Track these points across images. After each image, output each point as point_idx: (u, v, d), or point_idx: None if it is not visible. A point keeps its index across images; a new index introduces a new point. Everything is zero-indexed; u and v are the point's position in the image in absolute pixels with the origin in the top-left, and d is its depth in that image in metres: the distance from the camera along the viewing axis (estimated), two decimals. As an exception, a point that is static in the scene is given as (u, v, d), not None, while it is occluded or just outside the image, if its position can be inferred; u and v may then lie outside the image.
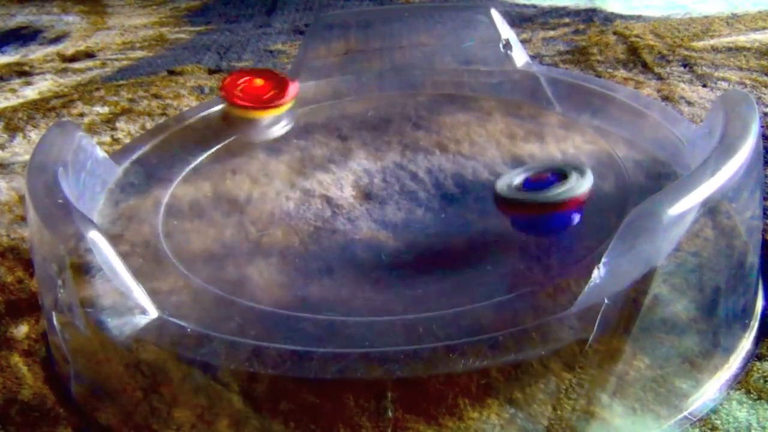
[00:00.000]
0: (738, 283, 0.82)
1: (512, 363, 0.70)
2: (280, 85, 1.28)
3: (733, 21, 2.04)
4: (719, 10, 2.17)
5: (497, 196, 0.91)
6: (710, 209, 0.76)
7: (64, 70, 2.08)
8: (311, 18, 2.43)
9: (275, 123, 1.29)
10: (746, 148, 0.80)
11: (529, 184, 0.92)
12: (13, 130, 1.60)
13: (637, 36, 1.96)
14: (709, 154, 0.80)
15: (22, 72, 2.08)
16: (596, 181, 1.02)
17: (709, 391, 0.77)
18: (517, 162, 1.11)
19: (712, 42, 1.87)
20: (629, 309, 0.70)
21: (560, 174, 0.91)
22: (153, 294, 0.78)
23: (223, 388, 0.72)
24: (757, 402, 0.76)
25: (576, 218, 0.88)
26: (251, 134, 1.27)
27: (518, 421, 0.70)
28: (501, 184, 0.92)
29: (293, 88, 1.27)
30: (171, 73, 1.96)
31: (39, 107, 1.73)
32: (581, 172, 0.90)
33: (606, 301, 0.69)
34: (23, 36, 2.51)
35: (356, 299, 0.84)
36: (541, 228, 0.91)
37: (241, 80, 1.28)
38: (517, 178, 0.93)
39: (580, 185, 0.88)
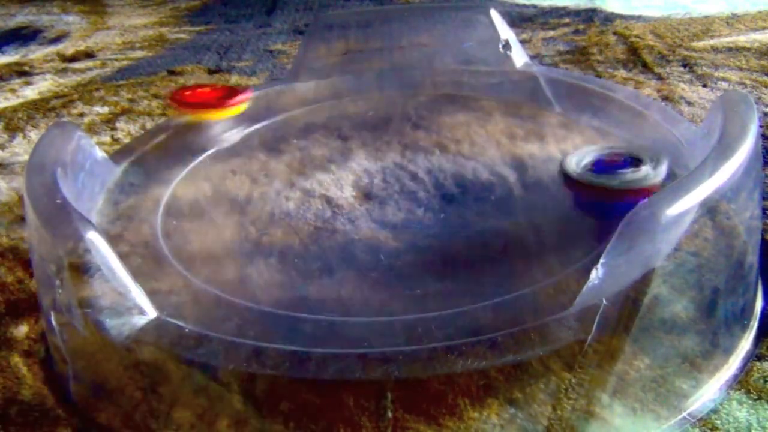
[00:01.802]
0: (737, 283, 0.82)
1: (511, 363, 0.70)
2: (230, 93, 1.31)
3: (733, 21, 2.04)
4: (719, 10, 2.17)
5: (565, 175, 0.91)
6: (709, 209, 0.76)
7: (64, 70, 2.08)
8: (311, 18, 2.43)
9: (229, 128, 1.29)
10: (745, 149, 0.80)
11: (600, 166, 0.90)
12: (13, 130, 1.60)
13: (637, 36, 1.96)
14: (708, 155, 0.80)
15: (22, 72, 2.08)
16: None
17: (709, 391, 0.77)
18: (517, 162, 1.11)
19: (712, 42, 1.87)
20: (629, 309, 0.70)
21: (634, 159, 0.90)
22: (152, 294, 0.78)
23: (222, 389, 0.72)
24: (757, 402, 0.76)
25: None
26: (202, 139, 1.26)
27: (518, 421, 0.70)
28: (570, 162, 0.91)
29: (243, 95, 1.29)
30: (171, 73, 1.96)
31: (39, 107, 1.74)
32: (656, 161, 0.89)
33: (604, 301, 0.69)
34: (23, 36, 2.51)
35: (356, 299, 0.84)
36: (607, 214, 0.87)
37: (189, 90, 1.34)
38: (588, 157, 0.92)
39: (655, 174, 0.87)
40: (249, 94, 1.30)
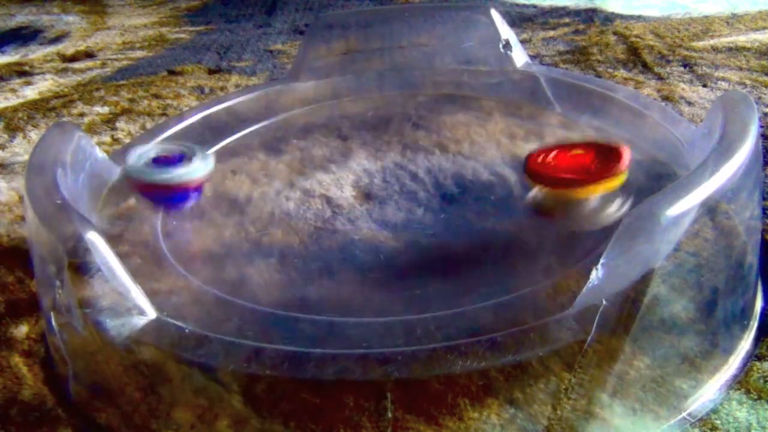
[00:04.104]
0: (737, 283, 0.82)
1: (511, 363, 0.70)
2: (605, 152, 0.94)
3: (733, 21, 2.04)
4: (719, 10, 2.17)
5: (128, 173, 0.99)
6: (709, 210, 0.76)
7: (64, 70, 2.08)
8: (311, 18, 2.43)
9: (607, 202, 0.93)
10: (745, 149, 0.80)
11: (158, 162, 1.00)
12: (13, 130, 1.60)
13: (637, 36, 1.96)
14: (708, 155, 0.80)
15: (22, 72, 2.08)
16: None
17: (709, 391, 0.77)
18: (517, 162, 1.11)
19: (712, 42, 1.87)
20: (628, 309, 0.70)
21: (186, 155, 1.01)
22: (152, 294, 0.78)
23: (222, 389, 0.72)
24: (757, 402, 0.76)
25: (193, 198, 1.01)
26: (581, 220, 0.93)
27: (518, 421, 0.70)
28: (132, 160, 1.00)
29: (627, 154, 0.93)
30: (171, 73, 1.96)
31: (39, 107, 1.73)
32: (204, 157, 1.01)
33: (604, 302, 0.69)
34: (23, 36, 2.51)
35: (355, 299, 0.84)
36: (163, 203, 1.03)
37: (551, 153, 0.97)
38: (148, 153, 1.01)
39: (200, 168, 0.99)
40: (628, 157, 0.92)
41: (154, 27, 2.56)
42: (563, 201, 0.95)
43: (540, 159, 0.96)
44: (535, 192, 0.98)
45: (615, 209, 0.92)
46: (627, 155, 0.92)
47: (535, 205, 0.97)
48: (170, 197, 1.02)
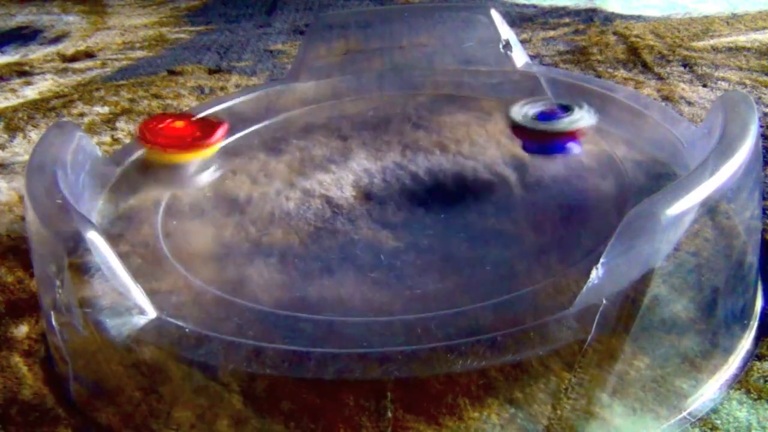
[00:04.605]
0: (737, 283, 0.82)
1: (511, 363, 0.70)
2: (206, 127, 1.15)
3: (733, 21, 2.04)
4: (719, 10, 2.18)
5: (515, 124, 1.10)
6: (709, 209, 0.76)
7: (64, 70, 2.08)
8: (311, 18, 2.43)
9: (203, 169, 1.14)
10: (745, 149, 0.80)
11: (542, 116, 1.10)
12: (13, 130, 1.60)
13: (637, 36, 1.96)
14: (708, 155, 0.80)
15: (22, 72, 2.08)
16: (596, 181, 1.03)
17: (709, 390, 0.77)
18: (517, 162, 1.11)
19: (712, 42, 1.87)
20: (628, 309, 0.70)
21: (566, 107, 1.10)
22: (152, 294, 0.78)
23: (222, 389, 0.72)
24: (757, 402, 0.76)
25: (577, 146, 1.08)
26: (174, 183, 1.11)
27: (518, 420, 0.70)
28: (516, 113, 1.11)
29: (221, 131, 1.14)
30: (171, 73, 1.96)
31: (39, 107, 1.73)
32: (584, 108, 1.09)
33: (604, 301, 0.69)
34: (23, 36, 2.51)
35: (356, 299, 0.84)
36: (548, 151, 1.11)
37: (162, 123, 1.15)
38: (531, 109, 1.12)
39: (584, 118, 1.07)
40: (224, 131, 1.14)
41: (154, 27, 2.56)
42: (162, 161, 1.12)
43: (152, 126, 1.13)
44: (142, 150, 1.14)
45: (206, 176, 1.12)
46: (219, 132, 1.12)
47: (142, 161, 1.15)
48: (556, 145, 1.09)
